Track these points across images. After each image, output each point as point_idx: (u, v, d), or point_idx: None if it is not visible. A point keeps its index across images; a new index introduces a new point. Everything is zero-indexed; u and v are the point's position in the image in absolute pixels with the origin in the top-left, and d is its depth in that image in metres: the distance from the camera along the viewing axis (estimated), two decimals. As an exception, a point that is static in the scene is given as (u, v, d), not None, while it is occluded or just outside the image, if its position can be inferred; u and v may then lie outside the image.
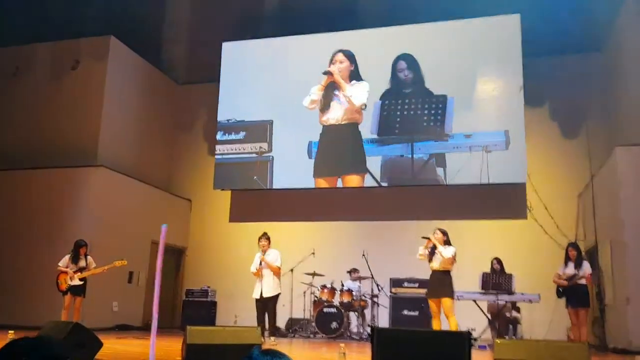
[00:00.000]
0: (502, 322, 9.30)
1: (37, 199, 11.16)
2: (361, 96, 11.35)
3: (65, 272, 8.54)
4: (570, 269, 8.03)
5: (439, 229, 7.48)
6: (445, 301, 7.11)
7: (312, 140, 11.56)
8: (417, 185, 11.29)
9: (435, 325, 7.27)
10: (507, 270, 9.25)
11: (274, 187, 11.76)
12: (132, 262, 10.08)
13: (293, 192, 12.12)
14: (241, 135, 12.11)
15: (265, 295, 8.12)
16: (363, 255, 9.89)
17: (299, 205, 12.36)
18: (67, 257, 8.66)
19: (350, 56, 11.67)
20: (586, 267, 8.00)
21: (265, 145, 11.91)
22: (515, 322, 9.61)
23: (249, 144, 12.04)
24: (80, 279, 8.54)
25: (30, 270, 10.52)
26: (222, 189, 12.43)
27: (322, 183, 11.42)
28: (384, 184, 11.18)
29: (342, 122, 11.44)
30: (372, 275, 9.91)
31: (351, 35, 11.99)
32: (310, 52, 12.18)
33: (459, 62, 11.26)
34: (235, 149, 12.12)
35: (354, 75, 11.58)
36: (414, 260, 10.93)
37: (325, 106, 11.51)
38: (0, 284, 10.64)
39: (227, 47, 12.79)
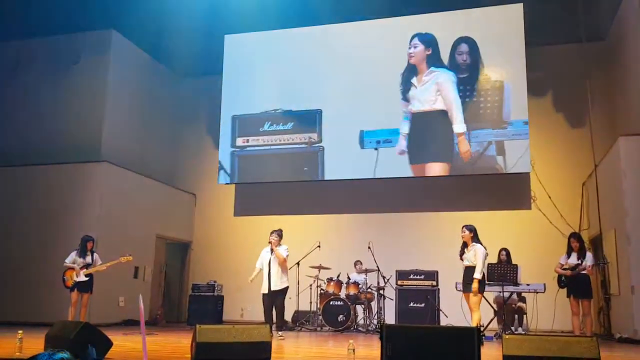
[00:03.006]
0: (508, 313, 9.33)
1: (40, 195, 11.17)
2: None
3: (72, 269, 8.59)
4: (573, 259, 8.05)
5: (466, 227, 7.47)
6: (469, 296, 7.16)
7: (364, 130, 11.34)
8: (423, 177, 11.29)
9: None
10: (513, 260, 9.27)
11: (326, 178, 11.60)
12: (137, 257, 10.12)
13: (298, 185, 12.13)
14: (289, 125, 11.91)
15: (273, 288, 8.14)
16: (369, 247, 9.91)
17: (304, 198, 12.38)
18: (73, 254, 8.70)
19: (426, 40, 11.32)
20: (589, 258, 8.01)
21: (315, 136, 11.71)
22: (521, 312, 9.65)
23: (298, 134, 11.83)
24: (86, 275, 8.58)
25: (36, 267, 10.55)
26: (269, 182, 12.21)
27: (415, 171, 11.08)
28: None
29: (429, 110, 11.16)
30: (378, 267, 9.93)
31: (350, 27, 11.96)
32: (312, 44, 12.14)
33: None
34: (284, 140, 11.88)
35: (433, 60, 11.22)
36: (420, 252, 11.06)
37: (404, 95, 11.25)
38: (6, 282, 10.69)
39: (229, 39, 12.76)
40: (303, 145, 11.78)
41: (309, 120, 11.77)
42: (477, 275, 7.20)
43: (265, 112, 12.08)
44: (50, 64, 12.30)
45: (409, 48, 11.41)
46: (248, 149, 12.13)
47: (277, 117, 12.02)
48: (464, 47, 11.11)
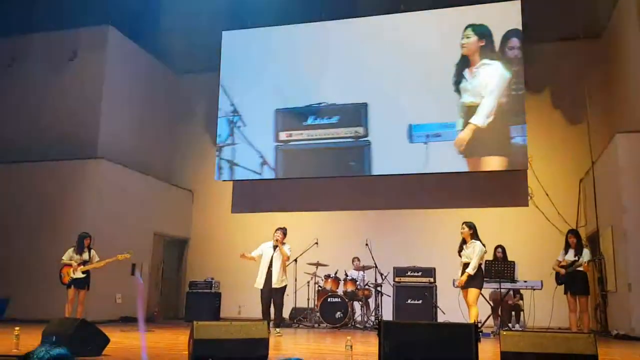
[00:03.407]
0: (505, 310, 9.35)
1: (37, 192, 11.14)
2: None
3: (69, 265, 8.57)
4: (570, 256, 8.06)
5: (466, 223, 7.46)
6: (470, 291, 7.17)
7: (412, 124, 11.02)
8: (420, 174, 11.29)
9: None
10: (509, 257, 9.28)
11: (373, 173, 11.30)
12: (135, 254, 10.07)
13: (296, 181, 12.12)
14: (334, 119, 11.60)
15: (274, 286, 8.17)
16: (366, 244, 9.91)
17: (301, 195, 12.37)
18: (70, 250, 8.69)
19: (480, 32, 11.03)
20: (585, 255, 8.03)
21: (361, 130, 11.38)
22: (518, 309, 9.66)
23: (343, 128, 11.49)
24: (83, 272, 8.56)
25: (33, 264, 10.53)
26: (312, 177, 11.91)
27: (470, 165, 10.75)
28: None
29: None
30: (375, 264, 9.94)
31: (349, 23, 11.92)
32: (311, 40, 12.11)
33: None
34: (329, 134, 11.56)
35: (486, 52, 10.99)
36: (417, 249, 11.06)
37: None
38: (3, 278, 10.67)
39: (227, 35, 12.72)
40: (349, 140, 11.48)
41: (355, 113, 11.46)
42: (470, 270, 7.19)
43: (308, 106, 11.74)
44: (46, 60, 12.24)
45: (462, 39, 11.12)
46: (291, 143, 11.78)
47: (322, 110, 11.69)
48: (514, 42, 10.84)
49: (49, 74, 12.13)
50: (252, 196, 12.77)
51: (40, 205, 11.03)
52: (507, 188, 11.34)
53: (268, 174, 11.86)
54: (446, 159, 10.82)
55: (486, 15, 11.15)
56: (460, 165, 10.76)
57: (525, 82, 10.71)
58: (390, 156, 11.14)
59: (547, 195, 11.20)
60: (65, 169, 11.20)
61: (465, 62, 11.03)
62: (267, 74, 12.14)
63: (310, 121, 11.71)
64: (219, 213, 13.09)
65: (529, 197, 11.25)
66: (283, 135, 11.87)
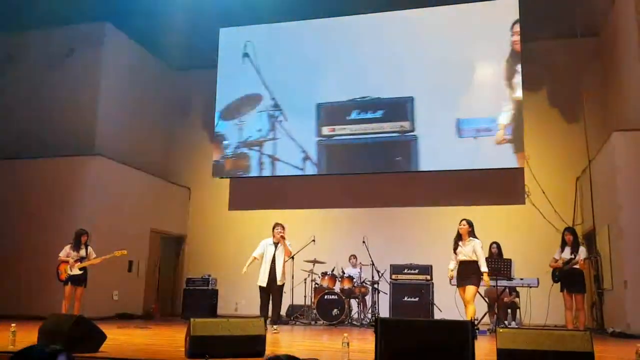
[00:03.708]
0: (501, 308, 9.37)
1: (34, 189, 11.12)
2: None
3: (66, 262, 8.57)
4: (567, 254, 8.08)
5: (466, 220, 7.47)
6: (468, 289, 7.19)
7: (460, 118, 10.74)
8: (415, 172, 11.30)
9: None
10: (505, 255, 9.31)
11: (420, 169, 11.03)
12: (132, 251, 10.10)
13: (293, 179, 12.10)
14: (379, 113, 11.27)
15: (279, 283, 8.21)
16: (363, 242, 9.93)
17: (298, 192, 12.35)
18: (67, 247, 8.68)
19: None
20: (582, 252, 8.05)
21: (407, 124, 11.08)
22: (514, 306, 9.69)
23: (389, 122, 11.15)
24: (80, 269, 8.56)
25: (30, 260, 10.51)
26: (358, 173, 11.60)
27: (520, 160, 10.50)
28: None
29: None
30: (372, 262, 9.95)
31: (348, 20, 11.89)
32: (309, 37, 12.09)
33: (456, 46, 11.20)
34: (373, 128, 11.24)
35: None
36: (414, 246, 11.08)
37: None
38: (0, 274, 10.65)
39: (224, 32, 12.69)
40: (395, 134, 11.18)
41: (400, 108, 11.15)
42: (486, 268, 7.31)
43: (352, 100, 11.45)
44: (43, 57, 12.19)
45: (512, 36, 10.84)
46: (335, 138, 11.51)
47: (366, 104, 11.38)
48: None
49: (46, 71, 12.08)
50: (249, 193, 12.76)
51: (37, 201, 11.00)
52: (504, 186, 11.35)
53: (310, 169, 11.61)
54: (496, 154, 10.67)
55: (485, 13, 11.15)
56: (510, 161, 10.60)
57: (522, 79, 10.71)
58: (439, 151, 10.85)
59: (543, 193, 11.23)
60: (62, 165, 11.17)
61: (516, 58, 10.76)
62: (305, 68, 11.85)
63: (353, 116, 11.44)
64: (216, 210, 13.07)
65: (525, 195, 11.26)
66: (326, 130, 11.59)
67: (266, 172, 11.84)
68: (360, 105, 11.43)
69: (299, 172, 11.61)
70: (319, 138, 11.60)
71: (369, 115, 11.34)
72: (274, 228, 8.41)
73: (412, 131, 11.05)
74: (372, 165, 11.38)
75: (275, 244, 8.33)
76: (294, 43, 12.15)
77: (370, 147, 11.33)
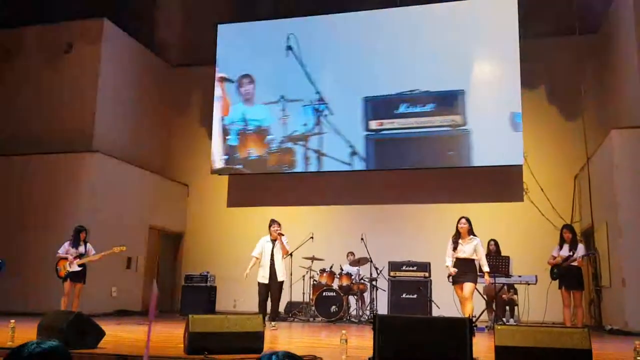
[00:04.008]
0: (499, 305, 9.38)
1: (32, 185, 11.10)
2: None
3: (65, 259, 8.56)
4: (565, 251, 8.08)
5: (465, 218, 7.48)
6: (466, 286, 7.20)
7: (514, 112, 10.59)
8: (413, 169, 11.31)
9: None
10: (504, 252, 9.31)
11: (473, 164, 10.89)
12: (130, 247, 10.08)
13: (291, 176, 12.11)
14: (429, 107, 11.05)
15: (280, 279, 8.22)
16: (362, 239, 9.93)
17: (297, 189, 12.37)
18: (66, 244, 8.68)
19: None
20: (580, 250, 8.06)
21: (458, 118, 10.87)
22: (512, 304, 9.70)
23: (439, 116, 10.97)
24: (79, 265, 8.56)
25: (29, 257, 10.50)
26: (410, 168, 11.38)
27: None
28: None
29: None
30: (370, 259, 9.96)
31: (346, 17, 11.89)
32: (307, 34, 12.08)
33: (455, 43, 11.18)
34: (423, 122, 11.03)
35: None
36: (413, 243, 11.08)
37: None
38: (-1, 271, 10.65)
39: (222, 28, 12.67)
40: (446, 128, 10.96)
41: (451, 101, 10.93)
42: (487, 268, 7.43)
43: (400, 93, 11.21)
44: (41, 53, 12.16)
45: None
46: (383, 132, 11.29)
47: (415, 98, 11.14)
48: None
49: (44, 67, 12.06)
50: (247, 190, 12.77)
51: (35, 198, 10.99)
52: (503, 183, 11.37)
53: (358, 164, 11.42)
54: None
55: (482, 9, 11.15)
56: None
57: (521, 77, 10.72)
58: (493, 146, 10.68)
59: (542, 190, 11.23)
60: (60, 162, 11.16)
61: None
62: (350, 61, 11.67)
63: (402, 109, 11.18)
64: (215, 207, 13.08)
65: (524, 193, 11.28)
66: (374, 124, 11.35)
67: (312, 168, 11.69)
68: (409, 99, 11.18)
69: (347, 168, 11.44)
70: (366, 132, 11.39)
71: (418, 109, 11.11)
72: (270, 226, 8.40)
73: (464, 125, 10.84)
74: (423, 160, 11.16)
75: (273, 241, 8.32)
76: (338, 36, 11.91)
77: (420, 142, 11.11)
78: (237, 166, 12.15)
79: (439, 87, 11.10)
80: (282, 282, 8.34)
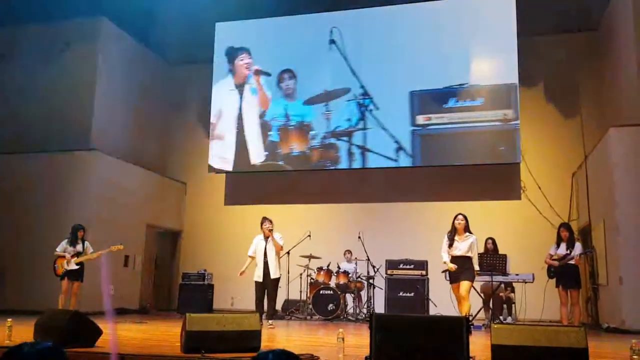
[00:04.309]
0: (497, 303, 9.39)
1: (30, 184, 11.09)
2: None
3: (63, 257, 8.56)
4: (562, 250, 8.09)
5: (462, 215, 7.46)
6: (463, 284, 7.19)
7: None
8: (411, 167, 11.31)
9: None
10: (501, 250, 9.32)
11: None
12: (128, 246, 10.09)
13: (289, 174, 12.11)
14: (479, 101, 10.82)
15: (273, 276, 8.18)
16: (359, 237, 9.93)
17: (295, 187, 12.37)
18: (64, 242, 8.69)
19: None
20: (577, 248, 8.07)
21: (510, 112, 10.65)
22: (509, 302, 9.71)
23: (490, 111, 10.76)
24: (77, 264, 8.56)
25: (27, 255, 10.49)
26: (455, 164, 11.14)
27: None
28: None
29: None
30: (367, 257, 9.96)
31: (345, 15, 11.87)
32: (305, 32, 12.06)
33: (453, 41, 11.18)
34: (473, 117, 10.79)
35: None
36: (410, 242, 11.08)
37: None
38: (-4, 270, 10.64)
39: (220, 27, 12.65)
40: (497, 123, 10.74)
41: (503, 95, 10.75)
42: (478, 267, 7.45)
43: (448, 87, 10.99)
44: (39, 52, 12.13)
45: None
46: (431, 127, 11.06)
47: (464, 92, 10.94)
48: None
49: (41, 66, 12.02)
50: (245, 188, 12.77)
51: (33, 196, 10.97)
52: (500, 181, 11.38)
53: (405, 160, 11.16)
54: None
55: (480, 7, 11.14)
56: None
57: (519, 75, 10.73)
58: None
59: (539, 188, 11.24)
60: (58, 160, 11.15)
61: None
62: (395, 55, 11.42)
63: (451, 103, 10.90)
64: (212, 205, 13.07)
65: (521, 191, 11.29)
66: (421, 119, 11.10)
67: (356, 164, 11.44)
68: (458, 93, 10.96)
69: (392, 164, 11.17)
70: (413, 127, 11.14)
71: (468, 103, 10.87)
72: (262, 223, 8.39)
73: (517, 120, 10.65)
74: (473, 155, 10.92)
75: (266, 239, 8.32)
76: (382, 29, 11.67)
77: (470, 137, 10.83)
78: (279, 162, 11.88)
79: (488, 81, 10.93)
80: (276, 280, 8.27)
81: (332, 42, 11.78)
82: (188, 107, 13.96)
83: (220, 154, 12.26)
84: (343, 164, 11.49)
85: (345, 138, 11.53)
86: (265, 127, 12.08)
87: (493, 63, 11.10)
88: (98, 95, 11.72)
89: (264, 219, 8.40)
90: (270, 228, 8.31)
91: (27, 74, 12.05)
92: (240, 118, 12.24)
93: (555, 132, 11.65)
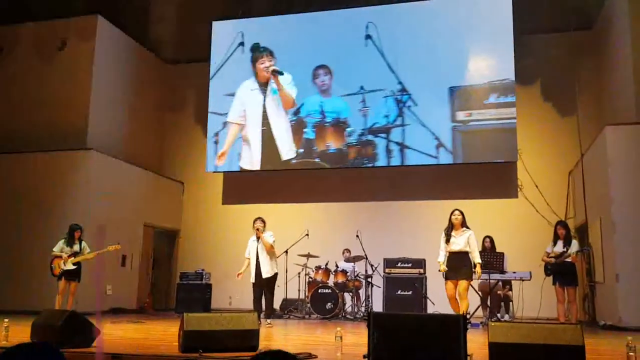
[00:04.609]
0: (494, 301, 9.41)
1: (27, 183, 11.07)
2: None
3: (60, 257, 8.55)
4: (559, 247, 8.12)
5: (458, 210, 7.48)
6: (461, 283, 7.19)
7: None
8: (409, 165, 11.31)
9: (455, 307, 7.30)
10: (498, 248, 9.35)
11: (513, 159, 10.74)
12: (125, 245, 10.09)
13: (286, 173, 12.10)
14: (509, 98, 10.70)
15: (264, 276, 8.15)
16: (357, 235, 9.94)
17: (292, 186, 12.36)
18: (61, 242, 8.67)
19: None
20: (574, 246, 8.09)
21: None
22: (507, 300, 9.73)
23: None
24: (74, 264, 8.55)
25: (23, 255, 10.47)
26: (491, 162, 10.99)
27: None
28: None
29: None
30: (366, 255, 9.97)
31: (344, 14, 11.86)
32: (302, 31, 12.05)
33: (450, 40, 11.19)
34: (514, 113, 10.67)
35: None
36: (408, 240, 11.10)
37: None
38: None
39: (217, 25, 12.63)
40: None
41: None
42: (479, 259, 7.38)
43: (489, 82, 10.84)
44: (34, 50, 12.11)
45: None
46: (472, 123, 10.87)
47: (507, 87, 10.78)
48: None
49: (38, 64, 12.01)
50: (243, 188, 12.76)
51: (29, 196, 10.95)
52: (497, 179, 11.39)
53: (445, 157, 10.95)
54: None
55: (477, 6, 11.15)
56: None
57: (516, 73, 10.74)
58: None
59: (536, 186, 11.26)
60: (54, 160, 11.13)
61: None
62: (433, 50, 11.26)
63: (492, 99, 10.76)
64: (210, 204, 13.07)
65: (518, 189, 11.31)
66: (461, 115, 10.89)
67: (395, 161, 11.25)
68: (499, 88, 10.79)
69: (432, 161, 11.00)
70: (453, 124, 10.97)
71: (509, 99, 10.71)
72: (254, 223, 8.38)
73: (513, 118, 10.59)
74: (516, 152, 10.74)
75: (258, 239, 8.31)
76: (418, 24, 11.52)
77: (512, 132, 10.65)
78: (315, 159, 11.67)
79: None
80: (270, 278, 8.22)
81: (368, 37, 11.61)
82: (184, 106, 13.95)
83: (245, 154, 12.04)
84: (381, 162, 11.32)
85: (383, 135, 11.34)
86: (300, 124, 11.86)
87: (492, 61, 11.10)
88: (94, 94, 11.69)
89: (256, 219, 8.39)
90: (259, 227, 8.28)
91: (23, 72, 12.03)
92: (265, 117, 12.03)
93: (552, 131, 11.67)
